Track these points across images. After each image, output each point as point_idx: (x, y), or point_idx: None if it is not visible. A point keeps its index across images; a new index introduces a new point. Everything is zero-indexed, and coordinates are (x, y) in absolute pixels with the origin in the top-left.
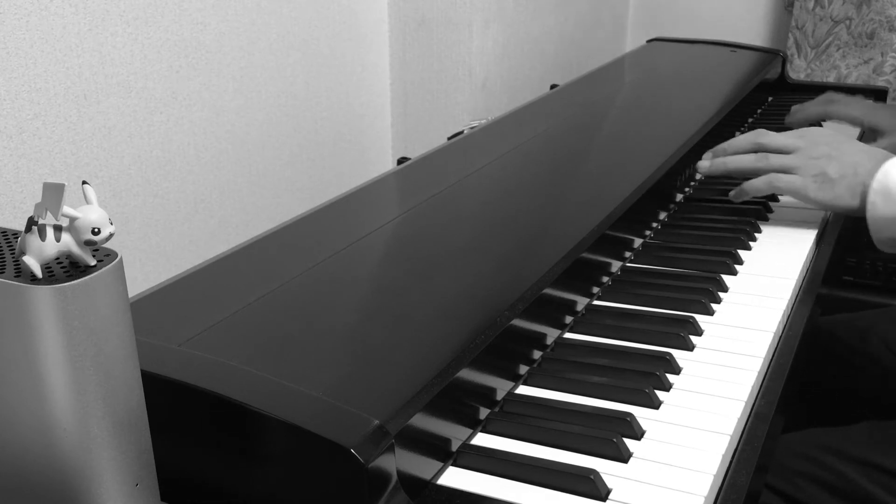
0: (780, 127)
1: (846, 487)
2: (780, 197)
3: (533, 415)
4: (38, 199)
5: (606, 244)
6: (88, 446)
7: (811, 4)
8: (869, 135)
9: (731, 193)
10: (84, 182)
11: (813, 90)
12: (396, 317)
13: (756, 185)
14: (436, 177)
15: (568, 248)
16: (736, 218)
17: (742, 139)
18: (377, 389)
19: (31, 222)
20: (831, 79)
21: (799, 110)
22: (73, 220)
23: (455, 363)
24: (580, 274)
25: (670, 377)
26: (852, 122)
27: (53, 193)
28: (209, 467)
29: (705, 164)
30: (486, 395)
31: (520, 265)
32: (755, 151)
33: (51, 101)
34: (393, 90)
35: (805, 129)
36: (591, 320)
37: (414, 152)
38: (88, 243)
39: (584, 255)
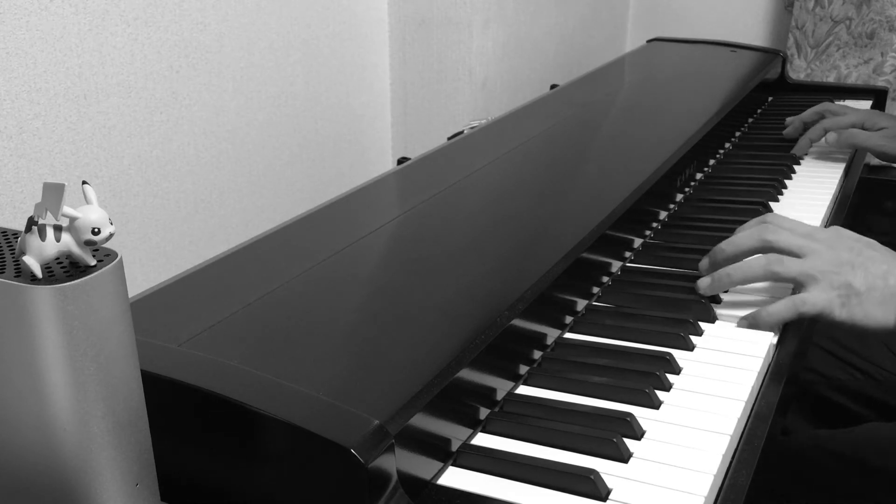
0: (781, 127)
1: (846, 488)
2: (779, 197)
3: (533, 415)
4: (38, 199)
5: (606, 244)
6: (88, 446)
7: (811, 4)
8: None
9: (746, 320)
10: (84, 182)
11: (813, 90)
12: (396, 317)
13: (780, 313)
14: (436, 177)
15: (568, 248)
16: (736, 218)
17: (745, 237)
18: (377, 389)
19: (31, 222)
20: (831, 79)
21: (797, 129)
22: (73, 220)
23: (455, 363)
24: (580, 274)
25: (670, 377)
26: (852, 126)
27: (53, 193)
28: (209, 467)
29: (705, 281)
30: (486, 395)
31: (520, 265)
32: (760, 248)
33: (51, 101)
34: (393, 90)
35: (818, 228)
36: (591, 320)
37: (414, 152)
38: (88, 243)
39: (584, 255)
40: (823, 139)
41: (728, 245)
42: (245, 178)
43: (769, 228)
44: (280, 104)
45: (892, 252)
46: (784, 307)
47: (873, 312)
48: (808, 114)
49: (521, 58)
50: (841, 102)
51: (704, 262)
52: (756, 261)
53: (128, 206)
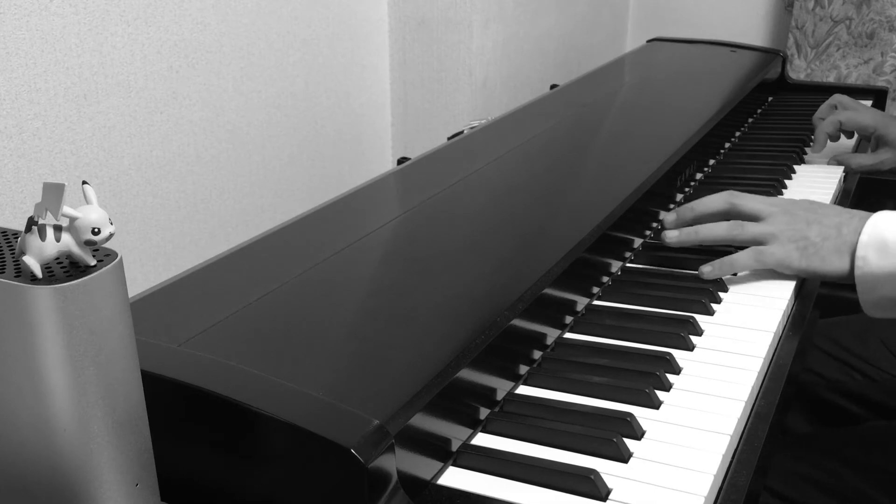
0: (781, 127)
1: (845, 489)
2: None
3: (533, 415)
4: (38, 199)
5: (606, 244)
6: (88, 446)
7: (811, 4)
8: (873, 143)
9: (706, 270)
10: (84, 182)
11: (813, 90)
12: (396, 317)
13: (742, 262)
14: (436, 177)
15: (568, 248)
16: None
17: (713, 200)
18: (377, 389)
19: (31, 222)
20: (831, 79)
21: (817, 121)
22: (73, 220)
23: (455, 363)
24: (580, 274)
25: (670, 377)
26: (863, 130)
27: (53, 193)
28: (209, 467)
29: (673, 234)
30: (486, 395)
31: (520, 265)
32: (725, 213)
33: (51, 101)
34: (393, 90)
35: (778, 197)
36: (591, 320)
37: (414, 152)
38: (88, 243)
39: (584, 255)
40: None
41: (697, 204)
42: (245, 178)
43: (734, 193)
44: (280, 104)
45: (844, 209)
46: (746, 256)
47: (830, 259)
48: (823, 111)
49: (521, 58)
50: None
51: (671, 217)
52: (720, 225)
53: (128, 206)
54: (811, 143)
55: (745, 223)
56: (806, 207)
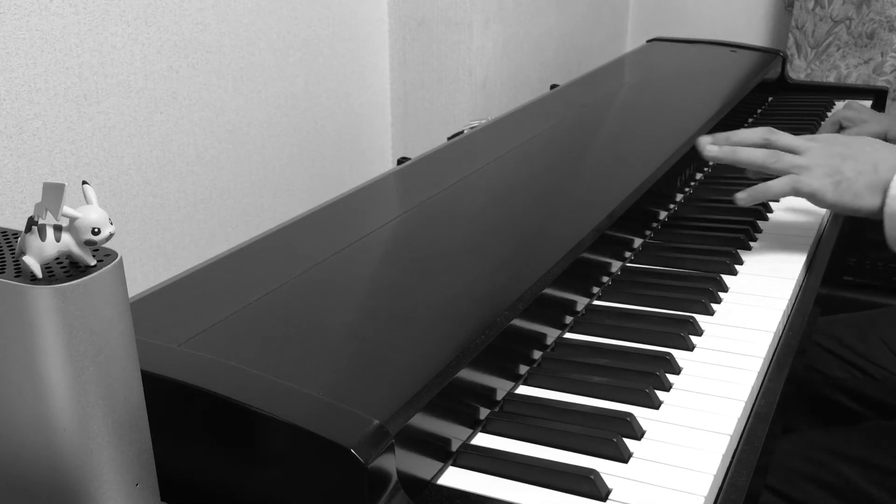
0: (781, 127)
1: (846, 488)
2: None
3: (533, 415)
4: (38, 199)
5: (606, 244)
6: (88, 446)
7: (811, 4)
8: None
9: (742, 196)
10: (84, 182)
11: (813, 90)
12: (396, 317)
13: (777, 188)
14: (436, 177)
15: (568, 248)
16: (736, 218)
17: (751, 132)
18: (377, 389)
19: (31, 222)
20: (831, 79)
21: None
22: (73, 220)
23: (455, 363)
24: (580, 274)
25: (670, 377)
26: (877, 136)
27: (53, 193)
28: (209, 467)
29: (714, 148)
30: (486, 395)
31: (520, 265)
32: (763, 144)
33: (51, 101)
34: (393, 90)
35: (815, 135)
36: (591, 320)
37: (414, 152)
38: (88, 243)
39: (584, 255)
40: None
41: (734, 134)
42: (245, 178)
43: (771, 130)
44: (280, 104)
45: (886, 144)
46: (782, 183)
47: (863, 195)
48: (826, 128)
49: (521, 58)
50: (841, 103)
51: (706, 138)
52: (759, 150)
53: (128, 206)
54: None
55: (783, 153)
56: (843, 142)
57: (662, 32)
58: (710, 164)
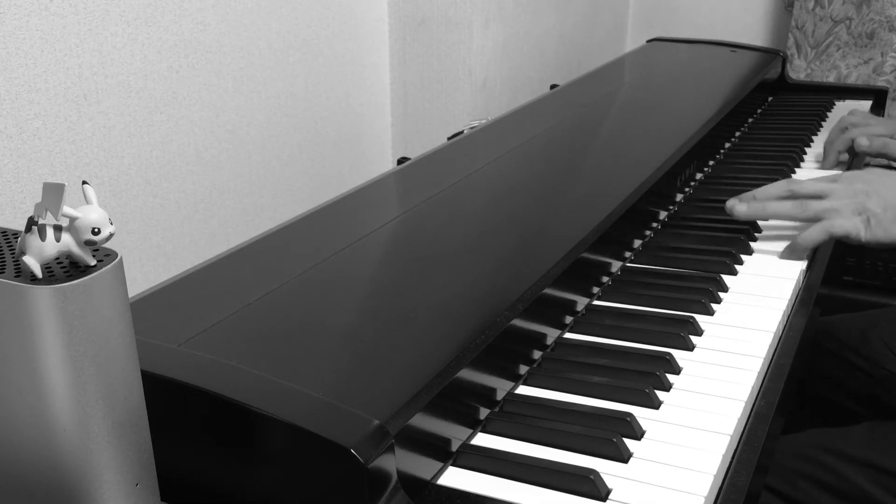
0: (781, 127)
1: (846, 488)
2: None
3: (533, 415)
4: (38, 199)
5: (606, 244)
6: (88, 446)
7: (811, 4)
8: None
9: (785, 251)
10: (84, 182)
11: (813, 90)
12: (396, 317)
13: (812, 238)
14: (436, 177)
15: (568, 248)
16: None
17: (774, 187)
18: (377, 389)
19: (31, 222)
20: (831, 79)
21: (828, 145)
22: (73, 220)
23: (455, 363)
24: (580, 274)
25: (670, 377)
26: (882, 137)
27: (53, 193)
28: (209, 467)
29: (742, 207)
30: (486, 395)
31: (520, 265)
32: (786, 196)
33: (51, 101)
34: (393, 90)
35: (836, 173)
36: (591, 320)
37: (414, 152)
38: (88, 243)
39: (584, 255)
40: (854, 144)
41: (758, 192)
42: (245, 178)
43: (792, 181)
44: (280, 104)
45: None
46: (816, 231)
47: (891, 229)
48: (833, 134)
49: (521, 58)
50: (841, 103)
51: (734, 200)
52: (785, 202)
53: (128, 206)
54: (811, 145)
55: (808, 201)
56: (864, 178)
57: (662, 32)
58: (710, 164)
